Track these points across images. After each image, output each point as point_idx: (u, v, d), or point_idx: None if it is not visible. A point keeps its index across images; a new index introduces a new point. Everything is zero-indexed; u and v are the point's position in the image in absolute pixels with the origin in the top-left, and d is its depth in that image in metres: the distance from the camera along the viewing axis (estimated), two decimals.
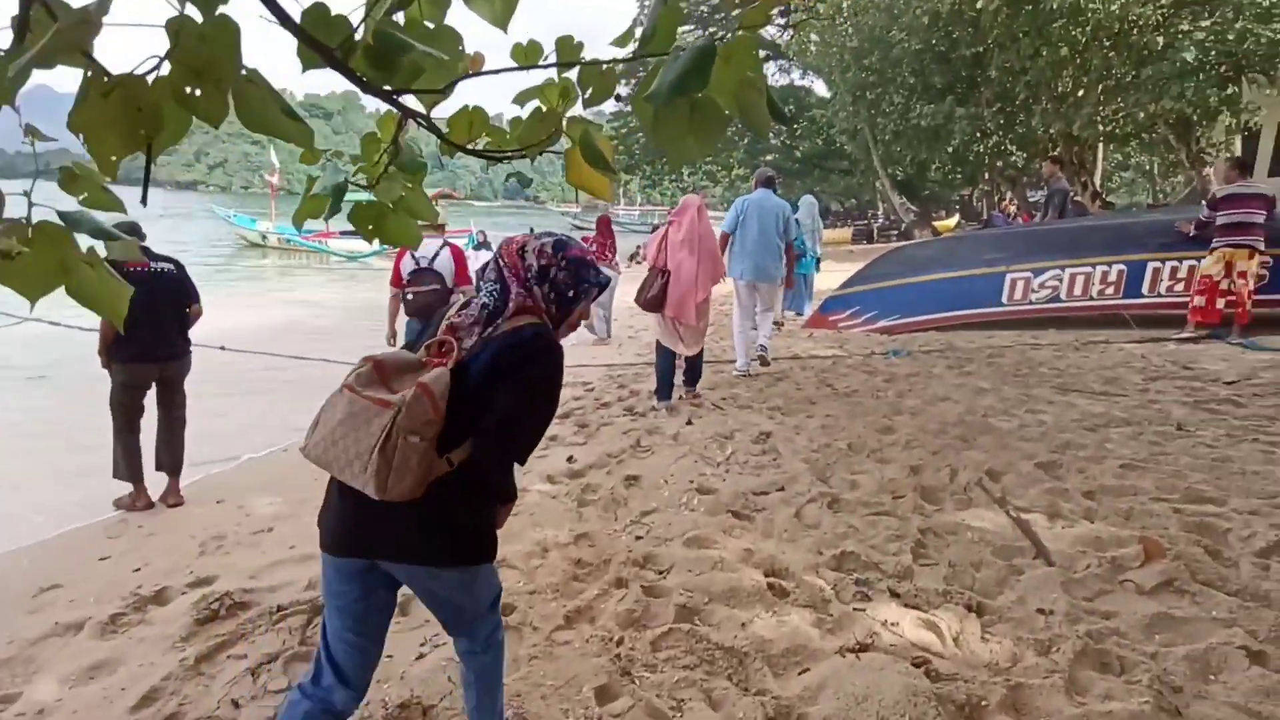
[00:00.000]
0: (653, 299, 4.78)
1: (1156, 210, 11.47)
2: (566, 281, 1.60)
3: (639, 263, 21.52)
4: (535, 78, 1.21)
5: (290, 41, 0.94)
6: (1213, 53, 12.17)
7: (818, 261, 9.91)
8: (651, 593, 2.51)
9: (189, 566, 3.02)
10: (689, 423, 4.75)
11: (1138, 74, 13.51)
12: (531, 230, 1.74)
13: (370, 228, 1.35)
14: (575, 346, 8.82)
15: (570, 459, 4.11)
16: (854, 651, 2.10)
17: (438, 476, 1.44)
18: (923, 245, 8.84)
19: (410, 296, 4.52)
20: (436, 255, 4.53)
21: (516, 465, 1.59)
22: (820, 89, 33.47)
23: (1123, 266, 6.94)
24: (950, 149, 19.47)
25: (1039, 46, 14.40)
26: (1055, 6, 13.28)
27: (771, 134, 39.41)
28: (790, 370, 6.23)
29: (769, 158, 40.21)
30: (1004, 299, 7.19)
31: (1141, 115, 13.71)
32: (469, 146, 1.27)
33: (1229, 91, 13.04)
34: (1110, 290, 6.98)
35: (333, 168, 1.29)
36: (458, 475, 1.47)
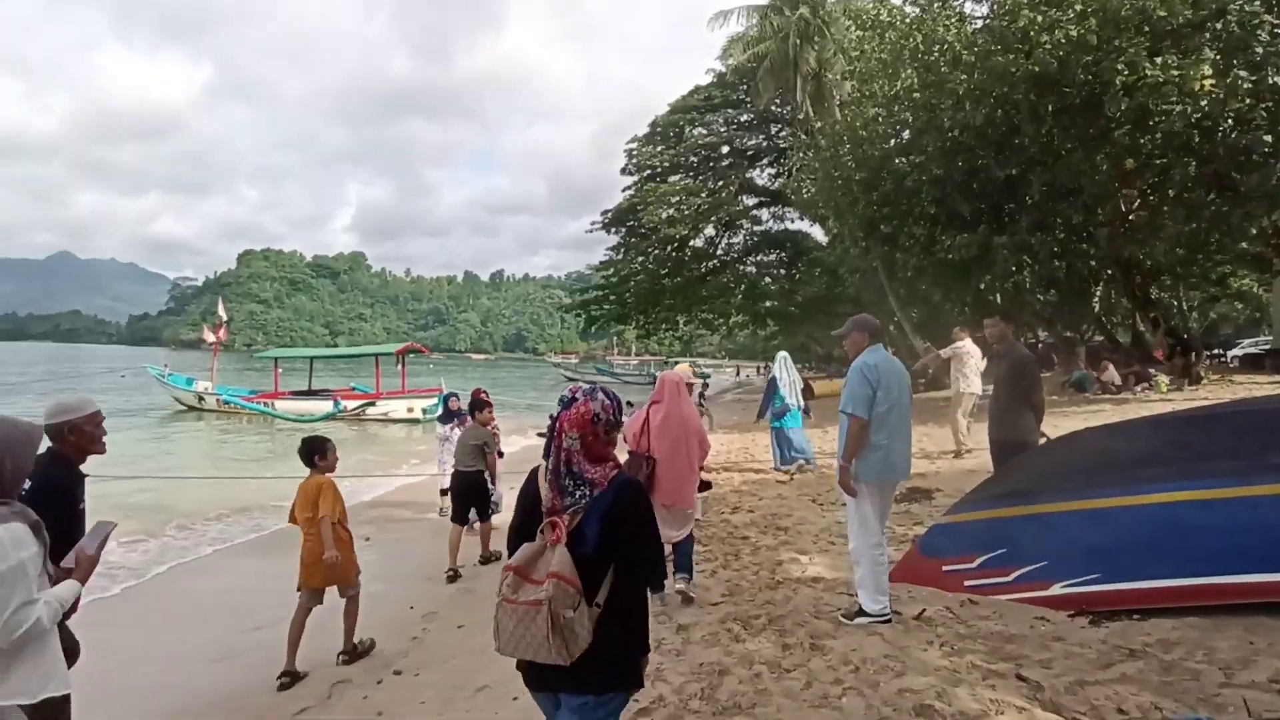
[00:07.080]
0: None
1: None
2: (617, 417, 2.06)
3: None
4: None
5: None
6: None
7: (807, 412, 9.86)
8: None
9: None
10: None
11: (1230, 185, 10.96)
12: (574, 395, 2.03)
13: None
14: None
15: None
16: None
17: (596, 619, 1.85)
18: (1118, 431, 5.04)
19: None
20: None
21: None
22: (818, 233, 31.90)
23: None
24: (982, 284, 16.82)
25: (1094, 161, 12.02)
26: (1119, 112, 10.96)
27: (769, 279, 37.95)
28: None
29: (767, 304, 38.37)
30: None
31: (1253, 231, 10.95)
32: None
33: None
34: None
35: None
36: (607, 610, 1.87)
